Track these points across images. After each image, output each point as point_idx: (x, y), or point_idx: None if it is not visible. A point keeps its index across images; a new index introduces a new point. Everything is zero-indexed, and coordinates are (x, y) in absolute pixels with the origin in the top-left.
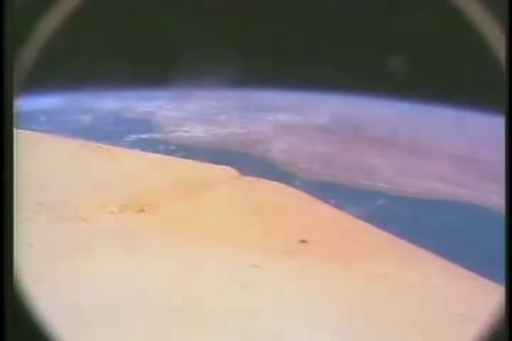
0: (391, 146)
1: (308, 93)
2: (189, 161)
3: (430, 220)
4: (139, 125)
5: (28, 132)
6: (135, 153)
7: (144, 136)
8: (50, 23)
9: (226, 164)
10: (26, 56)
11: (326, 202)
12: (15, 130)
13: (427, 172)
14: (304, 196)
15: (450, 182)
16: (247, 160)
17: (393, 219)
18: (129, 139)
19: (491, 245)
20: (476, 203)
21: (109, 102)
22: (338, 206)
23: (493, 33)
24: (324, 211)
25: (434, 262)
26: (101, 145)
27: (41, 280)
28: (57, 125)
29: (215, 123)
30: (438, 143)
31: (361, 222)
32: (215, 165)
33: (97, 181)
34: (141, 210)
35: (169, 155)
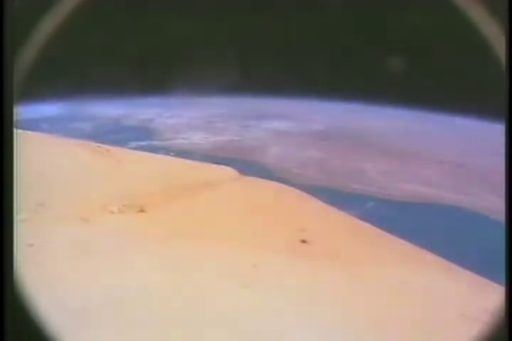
0: (381, 152)
1: (304, 100)
2: (189, 161)
3: (419, 222)
4: (139, 132)
5: (29, 132)
6: (135, 154)
7: (143, 143)
8: (49, 26)
9: None
10: (26, 57)
11: None
12: (15, 130)
13: (415, 177)
14: (305, 196)
15: (436, 187)
16: (243, 166)
17: (382, 221)
18: (129, 146)
19: (478, 245)
20: (462, 206)
21: (108, 110)
22: None
23: (493, 33)
24: (324, 211)
25: (434, 262)
26: (100, 145)
27: (41, 281)
28: (57, 132)
29: (213, 131)
30: (427, 149)
31: (361, 222)
32: (215, 165)
33: (97, 181)
34: (141, 210)
35: None
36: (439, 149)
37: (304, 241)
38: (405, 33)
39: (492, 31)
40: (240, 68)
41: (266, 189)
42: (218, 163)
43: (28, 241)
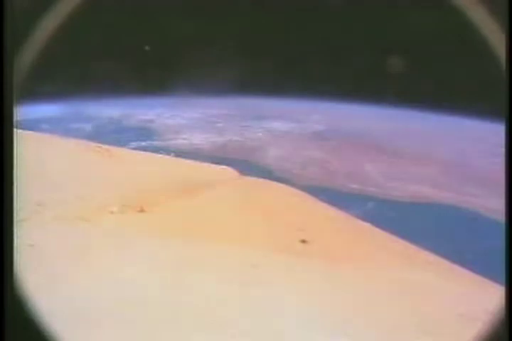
0: (381, 152)
1: (304, 100)
2: (189, 161)
3: (419, 222)
4: (139, 133)
5: (29, 132)
6: (135, 154)
7: (143, 143)
8: (49, 26)
9: None
10: (26, 57)
11: None
12: (15, 130)
13: (415, 177)
14: (305, 196)
15: (437, 187)
16: (244, 167)
17: (382, 221)
18: (129, 147)
19: (478, 245)
20: (462, 206)
21: (109, 110)
22: None
23: (493, 33)
24: (324, 211)
25: (434, 262)
26: (101, 145)
27: (41, 281)
28: (57, 132)
29: (213, 131)
30: (427, 149)
31: (361, 222)
32: (216, 166)
33: (97, 181)
34: (141, 210)
35: None
36: (439, 149)
37: (303, 241)
38: (405, 33)
39: (492, 31)
40: (240, 68)
41: (266, 189)
42: (218, 163)
43: (28, 241)
